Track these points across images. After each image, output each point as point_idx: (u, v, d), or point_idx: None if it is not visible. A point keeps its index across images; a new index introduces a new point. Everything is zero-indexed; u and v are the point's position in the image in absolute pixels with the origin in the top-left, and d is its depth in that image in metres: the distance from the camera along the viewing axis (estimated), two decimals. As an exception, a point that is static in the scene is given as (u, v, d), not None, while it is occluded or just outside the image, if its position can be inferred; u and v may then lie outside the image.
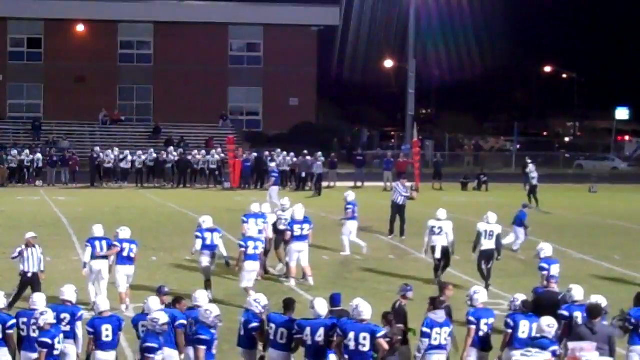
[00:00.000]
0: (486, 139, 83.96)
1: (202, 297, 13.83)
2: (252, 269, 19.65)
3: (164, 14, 66.89)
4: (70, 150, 51.77)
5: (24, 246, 18.62)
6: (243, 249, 19.58)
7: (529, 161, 43.67)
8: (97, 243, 19.22)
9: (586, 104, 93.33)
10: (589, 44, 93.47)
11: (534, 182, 39.99)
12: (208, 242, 20.09)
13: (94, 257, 19.20)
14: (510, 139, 76.28)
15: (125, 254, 19.20)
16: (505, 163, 66.20)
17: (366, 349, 12.61)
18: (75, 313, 13.77)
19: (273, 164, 40.34)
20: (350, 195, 26.30)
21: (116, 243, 19.24)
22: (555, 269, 17.87)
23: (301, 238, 21.74)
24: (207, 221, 20.62)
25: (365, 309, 12.79)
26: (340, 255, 26.02)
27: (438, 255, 22.20)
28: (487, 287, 20.79)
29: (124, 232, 19.50)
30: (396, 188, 30.16)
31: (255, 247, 19.63)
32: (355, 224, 25.88)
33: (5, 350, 13.09)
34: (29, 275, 18.51)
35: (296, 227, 21.76)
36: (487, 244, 21.65)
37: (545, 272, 17.75)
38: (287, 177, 47.52)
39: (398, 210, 29.48)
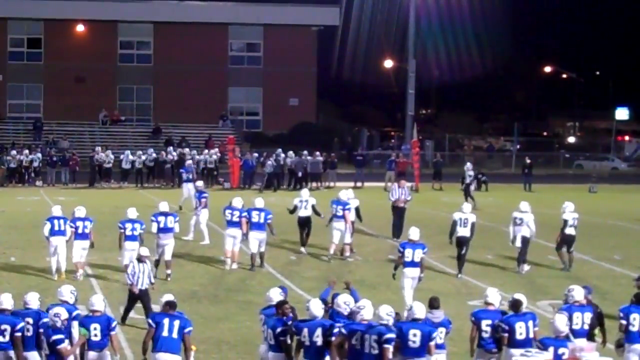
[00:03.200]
0: (486, 139, 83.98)
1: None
2: (131, 248, 21.48)
3: (164, 14, 66.85)
4: (70, 151, 51.70)
5: (135, 261, 17.92)
6: (122, 231, 21.80)
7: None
8: (55, 221, 22.09)
9: (586, 104, 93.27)
10: (589, 44, 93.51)
11: (468, 180, 40.53)
12: (161, 225, 22.56)
13: (53, 233, 21.97)
14: (510, 139, 76.24)
15: (80, 230, 21.94)
16: (504, 163, 66.18)
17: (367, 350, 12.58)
18: (71, 312, 13.65)
19: (189, 162, 42.22)
20: (200, 184, 29.68)
21: (71, 224, 22.08)
22: (409, 253, 18.88)
23: (234, 224, 23.66)
24: (161, 206, 23.26)
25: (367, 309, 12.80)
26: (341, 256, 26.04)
27: (518, 244, 23.63)
28: (458, 275, 23.27)
29: (80, 212, 22.29)
30: (394, 190, 29.23)
31: (133, 229, 21.72)
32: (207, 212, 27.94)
33: (11, 352, 13.11)
34: (137, 291, 17.77)
35: (227, 212, 23.82)
36: (462, 231, 23.21)
37: (399, 254, 19.01)
38: (286, 177, 47.71)
39: (399, 212, 28.69)
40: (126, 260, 21.46)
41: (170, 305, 13.51)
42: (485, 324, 13.60)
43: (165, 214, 22.75)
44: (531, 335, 13.35)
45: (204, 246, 26.90)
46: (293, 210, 26.45)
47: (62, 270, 21.99)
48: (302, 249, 26.26)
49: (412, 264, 18.95)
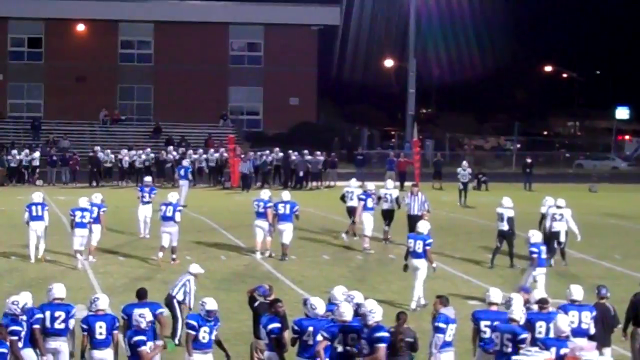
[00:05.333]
0: (486, 138, 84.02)
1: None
2: (80, 234, 23.48)
3: (165, 14, 66.83)
4: (71, 150, 51.69)
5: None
6: (72, 218, 23.50)
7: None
8: (33, 207, 23.83)
9: (586, 104, 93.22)
10: (589, 44, 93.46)
11: (464, 179, 40.99)
12: (161, 213, 24.29)
13: (32, 218, 23.78)
14: (511, 139, 76.30)
15: (34, 213, 23.90)
16: (505, 163, 66.19)
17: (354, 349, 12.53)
18: (69, 311, 13.74)
19: (186, 161, 43.47)
20: (149, 180, 30.23)
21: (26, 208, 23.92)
22: (412, 243, 19.65)
23: (261, 215, 24.94)
24: (169, 196, 24.81)
25: (346, 310, 12.71)
26: (340, 255, 26.07)
27: (562, 239, 24.65)
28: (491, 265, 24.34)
29: (82, 202, 24.10)
30: (410, 198, 27.09)
31: (82, 217, 23.45)
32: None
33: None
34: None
35: (254, 204, 25.26)
36: (500, 225, 24.40)
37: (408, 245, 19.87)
38: (288, 176, 47.81)
39: (415, 221, 25.64)
40: (76, 245, 23.51)
41: (138, 295, 14.25)
42: (484, 325, 13.50)
43: (167, 204, 24.29)
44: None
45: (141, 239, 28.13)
46: (342, 198, 28.49)
47: (39, 255, 23.97)
48: (344, 235, 27.98)
49: (415, 254, 19.62)
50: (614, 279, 22.99)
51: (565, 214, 24.73)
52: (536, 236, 19.99)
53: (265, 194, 25.47)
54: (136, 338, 12.72)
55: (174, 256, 23.88)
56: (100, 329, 13.28)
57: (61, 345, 13.61)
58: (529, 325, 13.37)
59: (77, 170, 48.12)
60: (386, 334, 12.39)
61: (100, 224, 24.40)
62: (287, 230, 24.86)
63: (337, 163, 50.33)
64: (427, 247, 19.57)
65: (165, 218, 24.12)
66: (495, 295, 13.87)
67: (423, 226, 20.04)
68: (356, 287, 20.89)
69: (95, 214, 24.07)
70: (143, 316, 12.93)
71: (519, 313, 12.98)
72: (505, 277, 23.22)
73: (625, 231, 32.85)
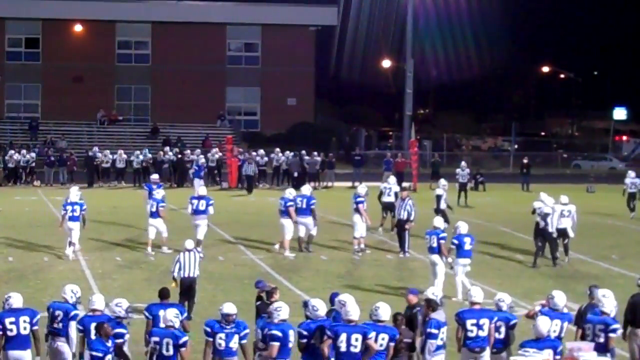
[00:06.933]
0: (484, 139, 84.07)
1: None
2: (72, 227, 24.29)
3: (162, 14, 66.82)
4: (68, 150, 51.69)
5: (184, 252, 18.35)
6: (64, 212, 24.39)
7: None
8: (68, 207, 24.55)
9: (584, 104, 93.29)
10: (587, 44, 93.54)
11: (462, 179, 41.15)
12: (194, 207, 25.34)
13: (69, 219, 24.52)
14: (508, 139, 76.35)
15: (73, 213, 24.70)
16: (502, 163, 66.21)
17: (357, 350, 12.47)
18: (69, 312, 13.67)
19: (202, 161, 44.83)
20: (156, 177, 31.36)
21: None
22: (427, 239, 20.50)
23: (285, 213, 25.42)
24: (200, 190, 26.32)
25: (352, 310, 12.70)
26: (339, 254, 26.08)
27: (572, 234, 25.09)
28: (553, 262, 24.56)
29: (73, 195, 24.88)
30: (398, 202, 26.89)
31: (73, 210, 24.38)
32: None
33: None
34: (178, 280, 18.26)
35: (280, 202, 25.81)
36: (542, 225, 24.65)
37: None
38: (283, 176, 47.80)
39: (403, 225, 26.09)
40: (68, 237, 24.29)
41: (161, 295, 14.40)
42: (470, 324, 13.51)
43: (199, 198, 25.52)
44: (562, 334, 13.32)
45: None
46: (380, 196, 29.18)
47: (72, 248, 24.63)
48: (380, 229, 29.16)
49: (431, 249, 20.56)
50: (611, 279, 23.01)
51: (572, 210, 25.27)
52: (462, 227, 20.52)
53: (289, 192, 26.03)
54: (182, 339, 12.65)
55: (199, 249, 23.47)
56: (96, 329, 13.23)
57: (60, 345, 13.58)
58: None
59: (75, 170, 48.10)
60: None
61: (161, 217, 25.30)
62: (307, 224, 25.72)
63: (335, 163, 50.31)
64: (441, 241, 20.34)
65: (197, 211, 25.23)
66: (477, 294, 13.91)
67: (438, 221, 20.91)
68: (353, 287, 20.98)
69: (155, 209, 25.27)
70: (177, 316, 12.98)
71: (609, 306, 13.42)
72: (503, 277, 23.23)
73: (623, 231, 32.88)
